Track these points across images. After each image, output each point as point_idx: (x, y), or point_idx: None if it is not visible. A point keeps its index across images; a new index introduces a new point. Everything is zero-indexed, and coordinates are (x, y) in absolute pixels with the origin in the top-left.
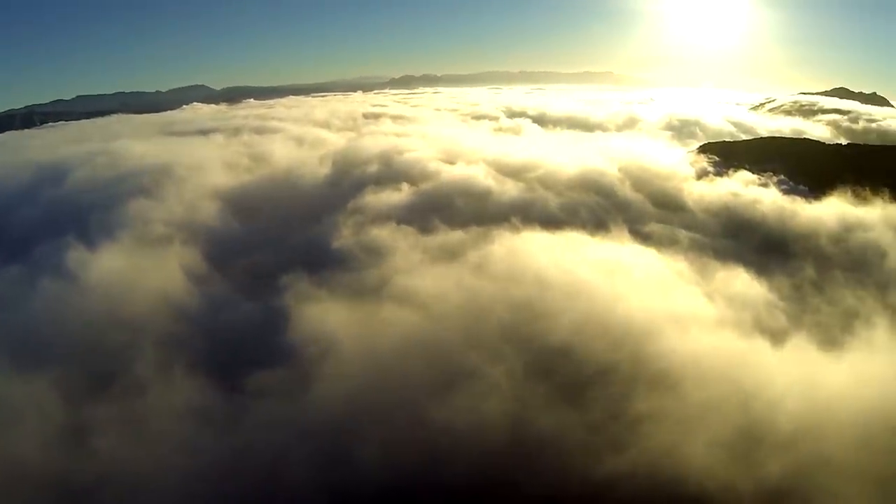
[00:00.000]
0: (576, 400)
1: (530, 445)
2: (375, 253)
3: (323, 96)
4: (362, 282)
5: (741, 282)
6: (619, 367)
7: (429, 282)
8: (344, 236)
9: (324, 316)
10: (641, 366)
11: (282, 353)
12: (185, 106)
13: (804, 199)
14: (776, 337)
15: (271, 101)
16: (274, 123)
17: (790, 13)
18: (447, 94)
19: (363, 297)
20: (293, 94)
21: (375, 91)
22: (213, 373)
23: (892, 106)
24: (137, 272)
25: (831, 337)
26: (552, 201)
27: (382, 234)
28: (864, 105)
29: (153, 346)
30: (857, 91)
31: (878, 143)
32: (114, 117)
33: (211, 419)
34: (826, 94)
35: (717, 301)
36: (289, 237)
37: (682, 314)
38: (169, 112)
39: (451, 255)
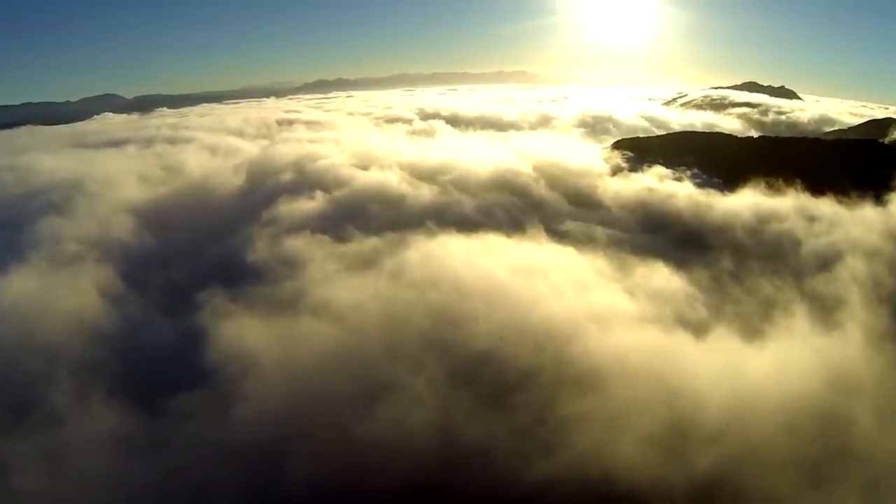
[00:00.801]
0: (501, 406)
1: (458, 455)
2: (291, 264)
3: (236, 103)
4: (279, 295)
5: (660, 276)
6: (542, 370)
7: (345, 292)
8: (259, 248)
9: (242, 332)
10: (565, 367)
11: (202, 374)
12: (96, 116)
13: (719, 192)
14: (698, 330)
15: (184, 110)
16: (187, 133)
17: (700, 12)
18: (360, 97)
19: (280, 311)
20: (206, 102)
21: (289, 96)
22: (133, 397)
23: (801, 98)
24: (50, 294)
25: (752, 327)
26: (467, 204)
27: (297, 244)
28: (773, 98)
29: (69, 373)
30: (766, 85)
31: (787, 134)
32: (21, 129)
33: (134, 447)
34: (736, 88)
35: (638, 297)
36: (205, 251)
37: (603, 312)
38: (79, 123)
39: (366, 263)
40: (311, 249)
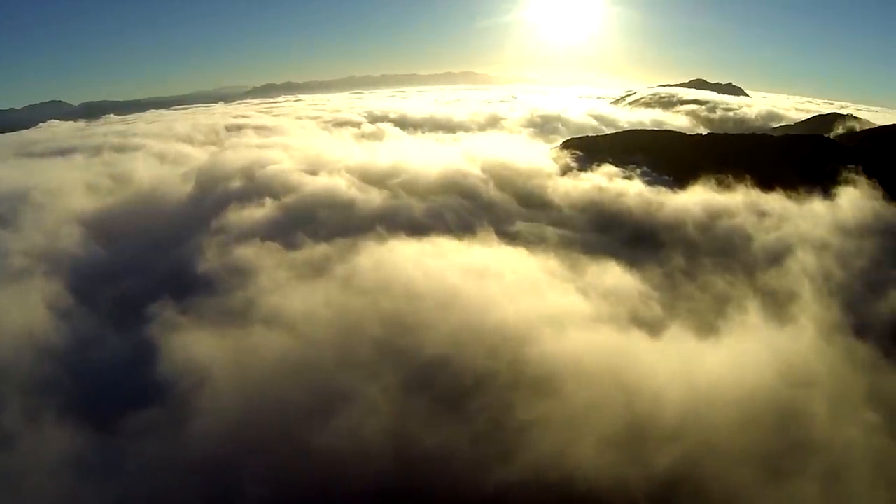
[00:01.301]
0: (458, 411)
1: (417, 463)
2: (241, 273)
3: (185, 109)
4: (230, 305)
5: (613, 275)
6: (498, 374)
7: (297, 300)
8: (209, 258)
9: (194, 345)
10: (522, 371)
11: (156, 389)
12: (41, 124)
13: (669, 190)
14: (653, 328)
15: (132, 116)
16: (135, 140)
17: (648, 12)
18: (309, 101)
19: (232, 322)
20: (154, 108)
21: (237, 101)
22: (86, 416)
23: (748, 95)
24: None
25: (706, 323)
26: (417, 207)
27: (247, 252)
28: (720, 95)
29: (19, 392)
30: (713, 82)
31: (735, 130)
32: None
33: (89, 468)
34: (684, 85)
35: (592, 297)
36: (155, 261)
37: (557, 314)
38: (25, 131)
39: (317, 270)
40: (262, 258)
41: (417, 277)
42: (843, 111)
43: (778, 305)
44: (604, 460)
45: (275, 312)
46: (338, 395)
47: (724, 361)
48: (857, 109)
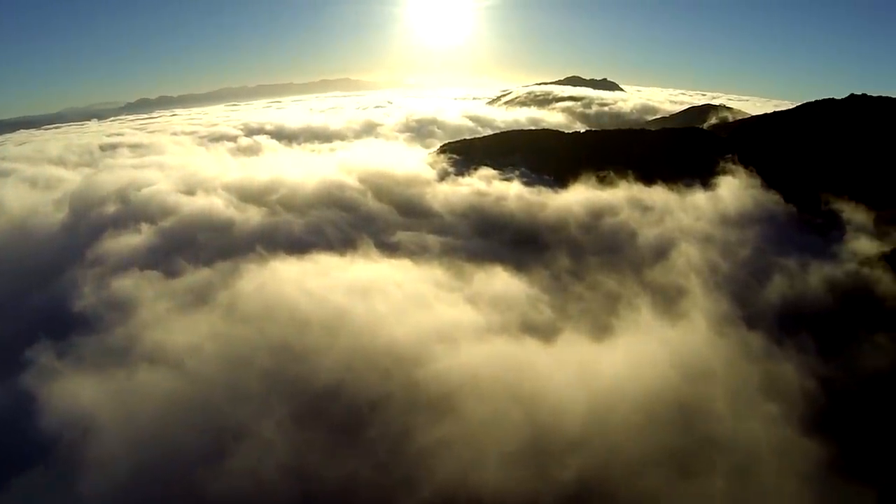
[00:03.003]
0: (357, 441)
1: (319, 497)
2: (121, 308)
3: (56, 128)
4: (111, 344)
5: (500, 281)
6: (394, 397)
7: (180, 334)
8: (86, 293)
9: (76, 392)
10: (417, 392)
11: (38, 447)
12: None
13: (550, 190)
14: (546, 334)
15: (0, 138)
16: (4, 164)
17: (522, 14)
18: (185, 115)
19: (114, 362)
20: (23, 128)
21: (111, 118)
22: None
23: (623, 90)
24: None
25: (599, 324)
26: (296, 224)
27: (126, 284)
28: (596, 91)
29: None
30: (588, 78)
31: (611, 125)
32: None
33: None
34: (560, 82)
35: (481, 305)
36: (28, 300)
37: (447, 327)
38: None
39: (199, 298)
40: (141, 288)
41: (302, 301)
42: (716, 101)
43: (668, 301)
44: (510, 477)
45: (158, 348)
46: (231, 434)
47: (620, 362)
48: (729, 100)
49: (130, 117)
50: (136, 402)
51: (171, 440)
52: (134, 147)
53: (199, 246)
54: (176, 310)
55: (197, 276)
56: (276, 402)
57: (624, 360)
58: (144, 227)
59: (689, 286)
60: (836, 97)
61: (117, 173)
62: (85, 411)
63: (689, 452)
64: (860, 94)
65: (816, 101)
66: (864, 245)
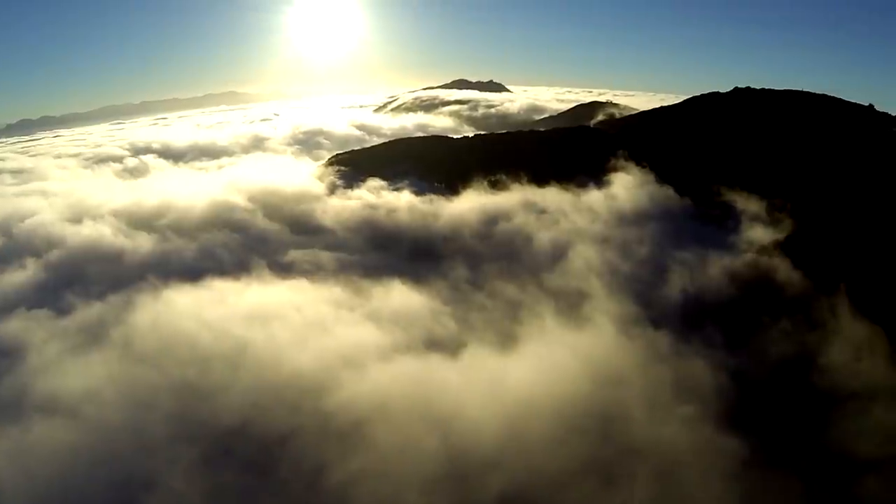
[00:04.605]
0: (269, 479)
1: None
2: (9, 354)
3: None
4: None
5: (400, 295)
6: (304, 431)
7: (75, 379)
8: None
9: None
10: (327, 424)
11: None
12: None
13: (442, 198)
14: (451, 349)
15: None
16: None
17: (405, 18)
18: (68, 136)
19: (5, 416)
20: None
21: None
22: None
23: (509, 90)
24: None
25: (503, 333)
26: (188, 249)
27: (13, 326)
28: (482, 93)
29: None
30: (475, 81)
31: (499, 126)
32: None
33: None
34: (446, 86)
35: (383, 322)
36: None
37: (351, 350)
38: None
39: (93, 337)
40: (30, 330)
41: (201, 333)
42: (602, 98)
43: (571, 306)
44: (429, 501)
45: (52, 397)
46: (139, 486)
47: (530, 373)
48: (615, 96)
49: (12, 140)
50: (32, 461)
51: (77, 498)
52: (16, 173)
53: (88, 279)
54: (69, 352)
55: (88, 312)
56: (184, 447)
57: (533, 371)
58: (30, 261)
59: (590, 289)
60: (720, 90)
61: None
62: None
63: (610, 461)
64: (744, 87)
65: (702, 95)
66: (760, 234)
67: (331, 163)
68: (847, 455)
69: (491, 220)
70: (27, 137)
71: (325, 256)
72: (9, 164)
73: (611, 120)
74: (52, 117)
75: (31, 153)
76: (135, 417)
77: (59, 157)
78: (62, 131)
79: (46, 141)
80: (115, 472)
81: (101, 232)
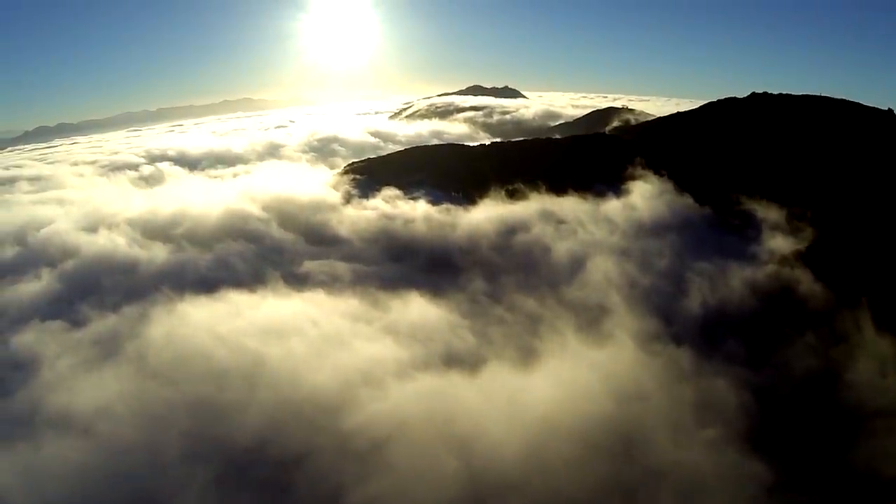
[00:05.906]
0: (284, 500)
1: None
2: (22, 368)
3: None
4: (11, 411)
5: (418, 308)
6: (322, 451)
7: (89, 395)
8: None
9: None
10: (346, 443)
11: None
12: None
13: (459, 207)
14: (471, 364)
15: None
16: None
17: (421, 25)
18: (85, 143)
19: (17, 433)
20: None
21: (9, 148)
22: None
23: (524, 96)
24: None
25: (523, 347)
26: (203, 259)
27: (27, 339)
28: (497, 99)
29: None
30: (490, 87)
31: (514, 133)
32: None
33: None
34: (461, 93)
35: (401, 336)
36: None
37: (370, 365)
38: None
39: (107, 350)
40: (44, 343)
41: (217, 348)
42: (617, 103)
43: (591, 320)
44: None
45: (65, 413)
46: None
47: (551, 391)
48: (630, 101)
49: (29, 147)
50: (44, 478)
51: None
52: (33, 180)
53: (103, 290)
54: (82, 366)
55: (102, 324)
56: (198, 466)
57: (554, 388)
58: (45, 271)
59: (610, 303)
60: (736, 95)
61: (15, 211)
62: None
63: (633, 483)
64: (761, 92)
65: (719, 101)
66: (780, 243)
67: (346, 171)
68: (874, 475)
69: (509, 230)
70: (44, 144)
71: (341, 268)
72: (26, 172)
73: (627, 126)
74: (69, 124)
75: (48, 160)
76: (148, 435)
77: (75, 164)
78: (79, 138)
79: (63, 148)
80: (128, 492)
81: (116, 241)
